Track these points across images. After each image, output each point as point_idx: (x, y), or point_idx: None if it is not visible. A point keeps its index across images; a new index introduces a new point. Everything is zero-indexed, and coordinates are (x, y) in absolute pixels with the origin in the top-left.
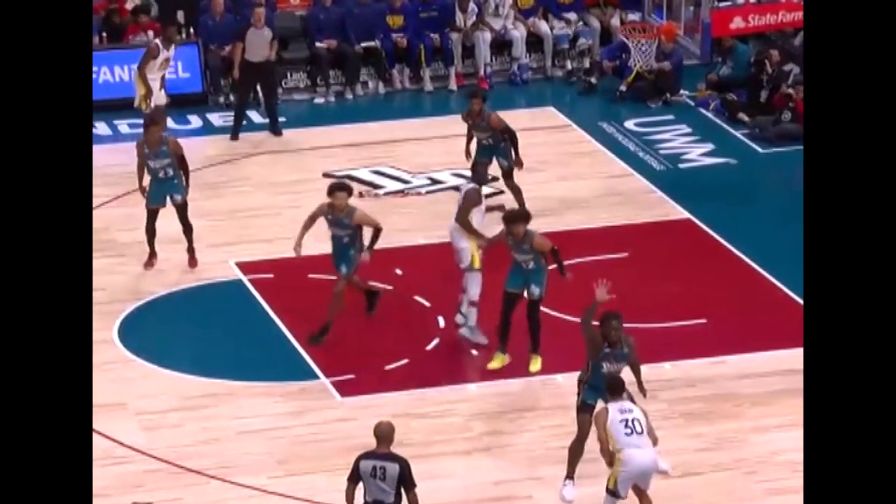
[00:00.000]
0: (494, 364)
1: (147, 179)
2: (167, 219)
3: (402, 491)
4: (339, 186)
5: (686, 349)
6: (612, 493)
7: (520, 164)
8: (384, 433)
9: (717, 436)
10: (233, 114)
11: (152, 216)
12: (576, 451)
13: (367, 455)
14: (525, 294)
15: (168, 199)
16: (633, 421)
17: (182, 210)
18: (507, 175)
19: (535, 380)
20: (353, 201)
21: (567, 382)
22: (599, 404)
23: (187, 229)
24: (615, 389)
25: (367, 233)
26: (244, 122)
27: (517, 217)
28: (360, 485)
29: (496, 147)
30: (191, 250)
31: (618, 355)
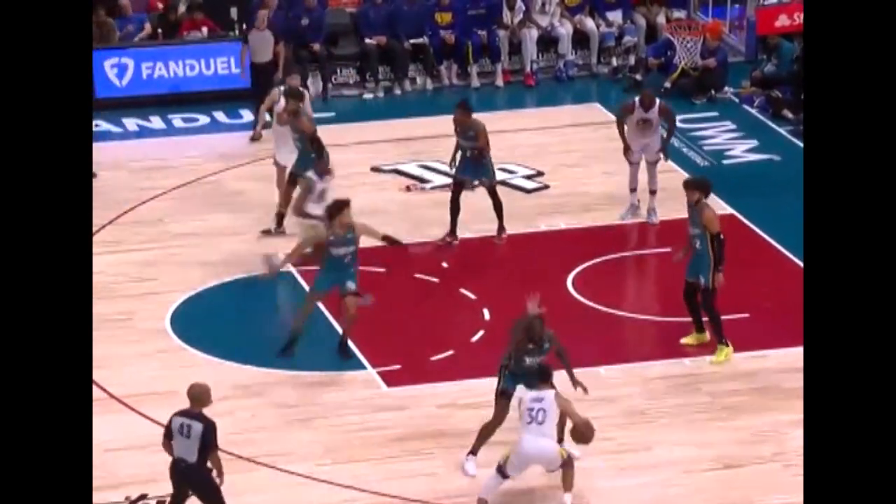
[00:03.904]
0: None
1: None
2: (222, 210)
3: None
4: (344, 204)
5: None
6: (500, 470)
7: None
8: (195, 394)
9: (758, 429)
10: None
11: None
12: (486, 432)
13: (179, 413)
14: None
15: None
16: (538, 411)
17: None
18: (492, 193)
19: (578, 371)
20: (401, 195)
21: (609, 375)
22: (519, 391)
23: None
24: (545, 377)
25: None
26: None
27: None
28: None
29: (479, 161)
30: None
31: (540, 350)
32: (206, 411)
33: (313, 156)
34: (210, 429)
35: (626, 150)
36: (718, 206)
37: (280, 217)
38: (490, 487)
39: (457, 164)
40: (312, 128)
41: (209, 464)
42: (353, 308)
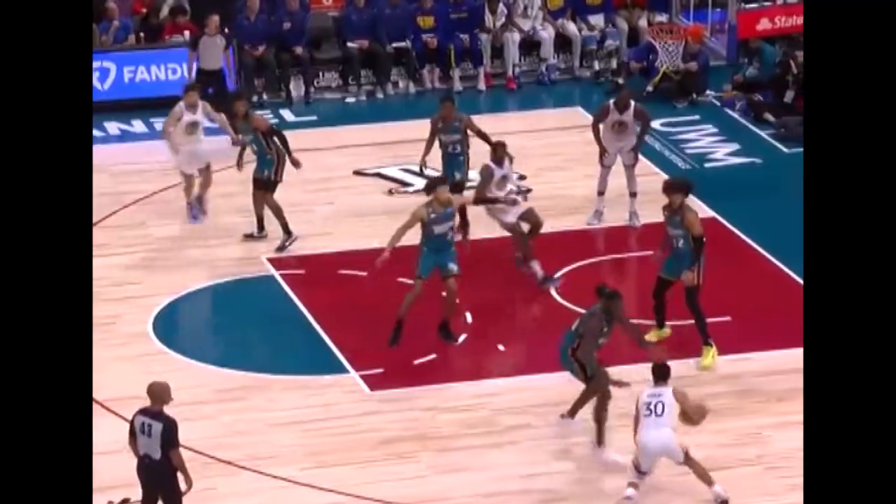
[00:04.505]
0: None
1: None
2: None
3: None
4: (441, 180)
5: None
6: (636, 467)
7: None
8: (155, 392)
9: (741, 432)
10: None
11: None
12: (600, 416)
13: (140, 411)
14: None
15: None
16: (656, 404)
17: None
18: (457, 188)
19: (562, 375)
20: (384, 199)
21: None
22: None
23: None
24: (663, 376)
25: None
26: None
27: None
28: None
29: (457, 157)
30: None
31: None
32: (180, 413)
33: (269, 156)
34: (170, 427)
35: (602, 153)
36: (700, 209)
37: (260, 221)
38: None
39: (427, 165)
40: (267, 123)
41: (173, 461)
42: (453, 291)
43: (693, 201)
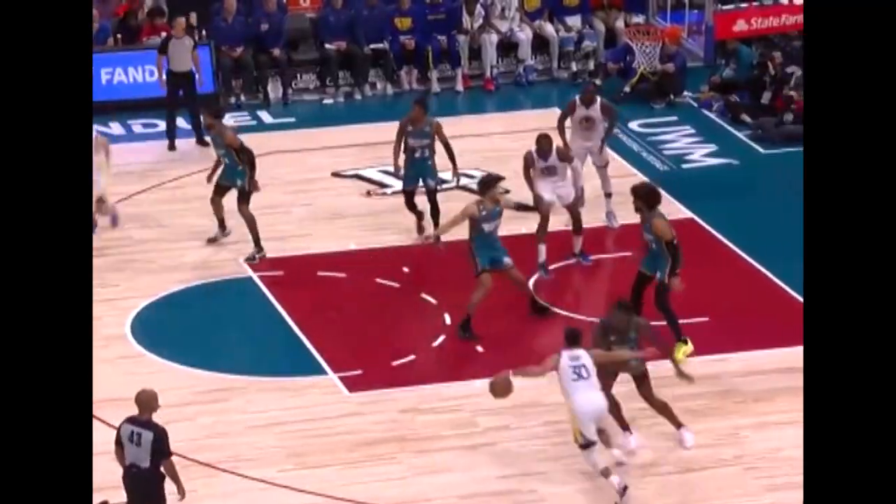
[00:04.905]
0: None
1: None
2: (183, 216)
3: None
4: (495, 180)
5: None
6: (583, 445)
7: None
8: (143, 400)
9: (719, 432)
10: (170, 123)
11: None
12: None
13: (128, 420)
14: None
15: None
16: (580, 367)
17: None
18: (431, 195)
19: (542, 378)
20: (362, 200)
21: None
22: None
23: None
24: (575, 341)
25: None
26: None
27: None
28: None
29: (425, 161)
30: None
31: (625, 341)
32: (158, 416)
33: (241, 168)
34: (160, 436)
35: (566, 150)
36: (677, 209)
37: (221, 221)
38: (595, 462)
39: (403, 169)
40: (238, 140)
41: (162, 470)
42: (519, 277)
43: (670, 202)
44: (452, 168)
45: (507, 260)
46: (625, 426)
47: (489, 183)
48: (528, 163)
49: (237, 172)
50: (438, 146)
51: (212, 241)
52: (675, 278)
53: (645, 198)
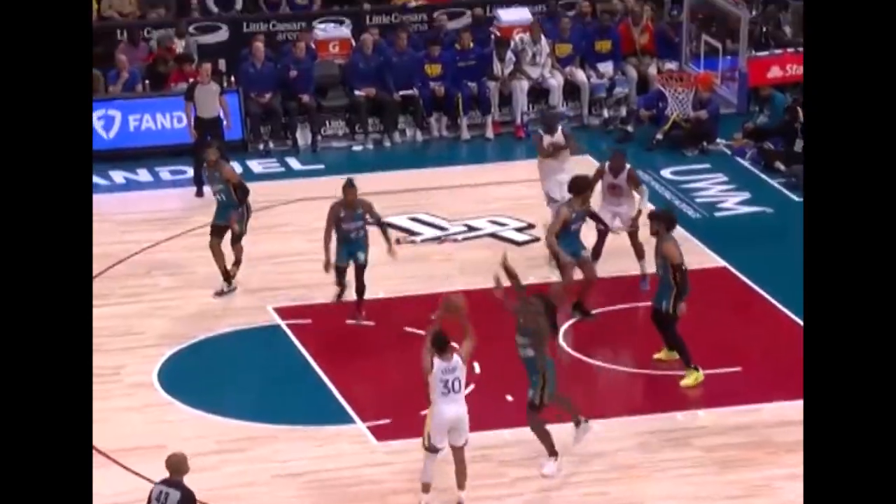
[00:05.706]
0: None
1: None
2: (210, 263)
3: None
4: (589, 185)
5: (720, 397)
6: (428, 448)
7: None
8: (173, 463)
9: (752, 483)
10: (197, 170)
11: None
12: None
13: (160, 481)
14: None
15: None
16: (453, 381)
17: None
18: (360, 270)
19: (569, 425)
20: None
21: (600, 428)
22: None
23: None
24: (443, 346)
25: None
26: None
27: None
28: None
29: (360, 240)
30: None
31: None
32: (190, 473)
33: (239, 209)
34: (187, 498)
35: (636, 177)
36: (710, 258)
37: (226, 274)
38: (429, 470)
39: (335, 252)
40: (236, 175)
41: None
42: (592, 269)
43: (704, 251)
44: (388, 246)
45: (585, 253)
46: (552, 451)
47: (582, 187)
48: (599, 174)
49: (233, 210)
50: (484, 193)
51: (219, 294)
52: (682, 304)
53: (664, 220)
